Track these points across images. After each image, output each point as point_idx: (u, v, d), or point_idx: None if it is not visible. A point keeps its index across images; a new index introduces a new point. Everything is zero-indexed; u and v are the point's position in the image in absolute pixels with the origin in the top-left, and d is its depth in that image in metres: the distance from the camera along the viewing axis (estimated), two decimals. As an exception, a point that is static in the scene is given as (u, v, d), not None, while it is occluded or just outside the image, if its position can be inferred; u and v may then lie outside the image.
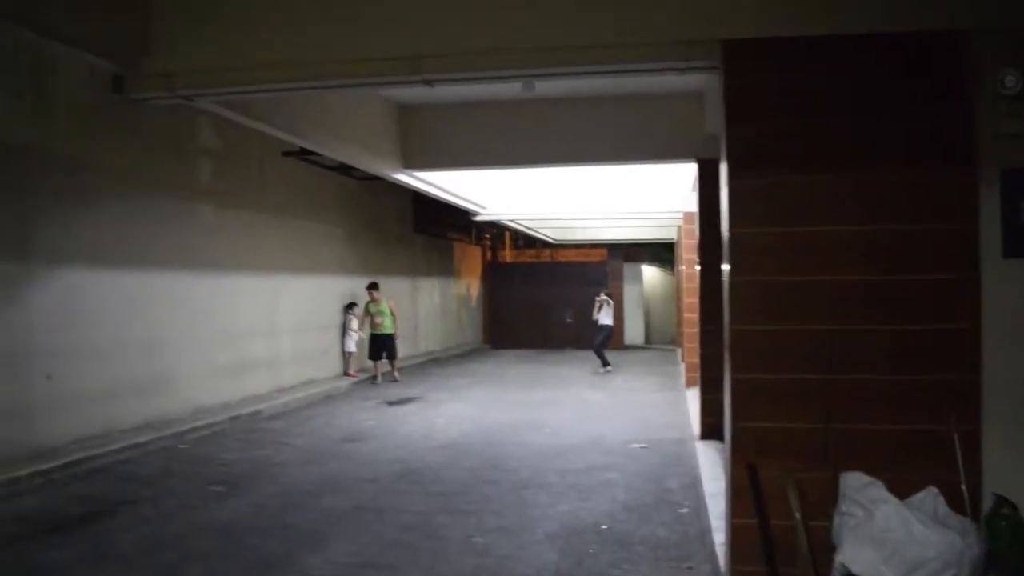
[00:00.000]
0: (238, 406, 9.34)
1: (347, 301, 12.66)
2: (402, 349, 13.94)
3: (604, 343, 14.26)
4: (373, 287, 12.46)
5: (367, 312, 12.33)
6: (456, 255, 19.26)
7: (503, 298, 20.75)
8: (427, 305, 17.14)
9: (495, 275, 21.23)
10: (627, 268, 20.79)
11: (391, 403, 10.44)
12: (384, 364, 12.38)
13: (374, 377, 12.31)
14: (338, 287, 12.60)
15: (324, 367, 12.02)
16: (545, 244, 21.18)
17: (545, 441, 7.88)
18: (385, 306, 12.38)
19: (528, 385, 12.45)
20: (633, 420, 9.07)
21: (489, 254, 21.65)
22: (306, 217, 11.62)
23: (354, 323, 12.24)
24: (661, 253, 20.95)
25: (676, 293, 17.59)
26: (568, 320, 20.33)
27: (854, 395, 3.77)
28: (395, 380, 12.32)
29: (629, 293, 20.77)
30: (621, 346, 19.38)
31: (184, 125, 8.84)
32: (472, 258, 20.58)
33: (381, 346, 12.25)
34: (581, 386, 12.20)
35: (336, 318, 12.41)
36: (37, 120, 6.98)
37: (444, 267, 18.38)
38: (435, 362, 15.96)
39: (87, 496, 5.96)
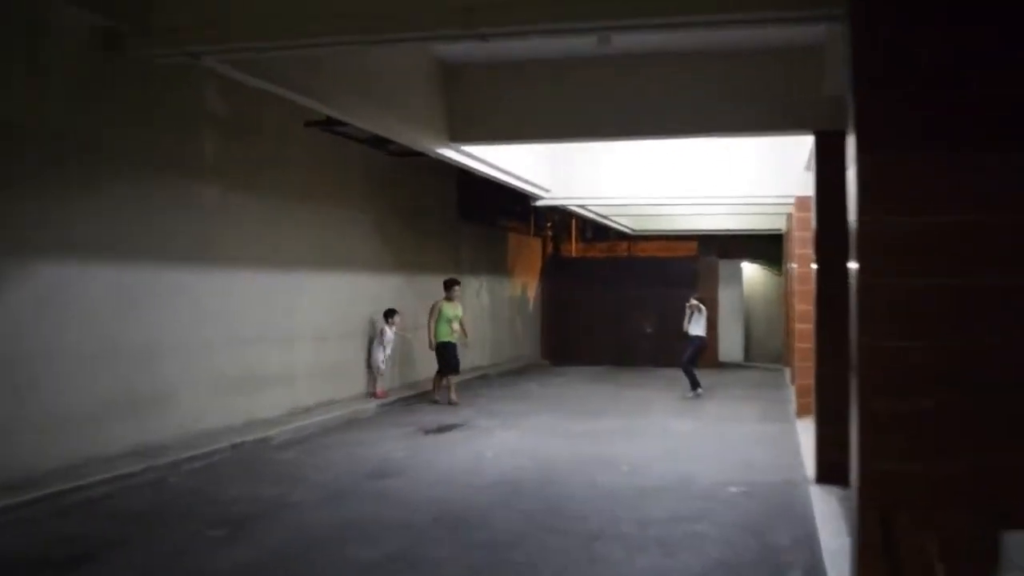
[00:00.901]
0: (245, 430, 9.53)
1: (378, 304, 12.87)
2: (421, 364, 14.05)
3: (694, 360, 14.17)
4: (454, 284, 12.83)
5: (440, 317, 12.60)
6: (510, 248, 19.36)
7: (567, 302, 20.80)
8: (473, 309, 17.23)
9: (557, 273, 21.26)
10: (723, 266, 20.61)
11: (428, 431, 10.51)
12: (446, 380, 12.72)
13: (436, 396, 12.74)
14: (366, 287, 12.77)
15: (347, 385, 12.20)
16: (620, 235, 21.12)
17: (619, 481, 7.86)
18: (460, 307, 12.88)
19: (598, 411, 12.40)
20: (729, 457, 8.98)
21: (550, 247, 21.73)
22: (331, 201, 11.80)
23: (388, 334, 12.45)
24: (766, 248, 20.69)
25: (785, 298, 17.32)
26: (648, 331, 20.22)
27: (1022, 429, 3.67)
28: (452, 402, 12.52)
29: (725, 298, 20.61)
30: (714, 364, 19.21)
31: (189, 91, 9.08)
32: (529, 252, 20.66)
33: (454, 356, 12.64)
34: (665, 413, 12.14)
35: (361, 325, 12.59)
36: (14, 90, 7.22)
37: (495, 263, 18.49)
38: (482, 380, 16.03)
39: (67, 536, 6.10)
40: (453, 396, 12.71)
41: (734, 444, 9.73)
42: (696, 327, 14.09)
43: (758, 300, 21.92)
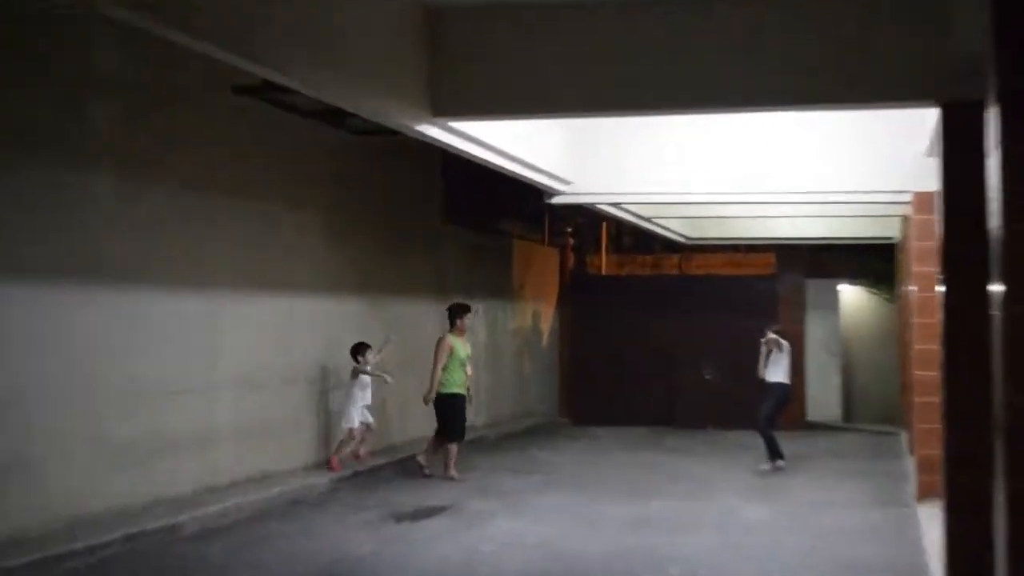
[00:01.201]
0: (145, 516, 9.52)
1: (332, 340, 12.94)
2: (422, 421, 14.05)
3: (774, 417, 14.13)
4: (463, 311, 13.22)
5: (451, 358, 12.84)
6: (516, 263, 19.45)
7: (595, 338, 20.83)
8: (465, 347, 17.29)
9: (582, 298, 21.30)
10: (812, 289, 20.68)
11: (401, 517, 10.52)
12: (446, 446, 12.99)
13: (425, 467, 12.97)
14: (316, 315, 12.83)
15: (289, 451, 12.24)
16: (670, 246, 21.18)
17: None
18: (470, 346, 13.30)
19: (638, 490, 12.38)
20: (822, 558, 8.95)
21: (572, 262, 21.83)
22: (269, 197, 11.87)
23: (363, 378, 12.58)
24: (872, 263, 20.71)
25: (900, 334, 17.27)
26: (708, 377, 20.21)
27: None
28: (451, 477, 12.76)
29: (816, 332, 20.67)
30: (800, 424, 19.19)
31: (77, 50, 9.12)
32: (543, 268, 20.75)
33: (463, 414, 12.95)
34: (731, 493, 12.13)
35: (308, 367, 12.64)
36: None
37: (494, 283, 18.58)
38: (478, 445, 16.03)
39: None
40: (452, 470, 12.79)
41: (829, 539, 9.69)
42: (776, 371, 14.08)
43: (862, 336, 21.89)
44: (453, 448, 12.86)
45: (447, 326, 13.16)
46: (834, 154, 12.46)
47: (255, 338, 11.59)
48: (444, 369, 12.78)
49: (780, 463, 13.94)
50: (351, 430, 12.48)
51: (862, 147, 12.26)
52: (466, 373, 12.98)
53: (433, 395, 12.77)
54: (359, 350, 12.62)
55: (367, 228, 14.08)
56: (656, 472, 13.94)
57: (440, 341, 13.00)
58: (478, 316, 17.72)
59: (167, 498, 10.10)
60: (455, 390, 12.83)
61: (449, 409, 12.79)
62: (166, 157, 10.19)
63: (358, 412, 12.53)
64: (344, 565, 8.47)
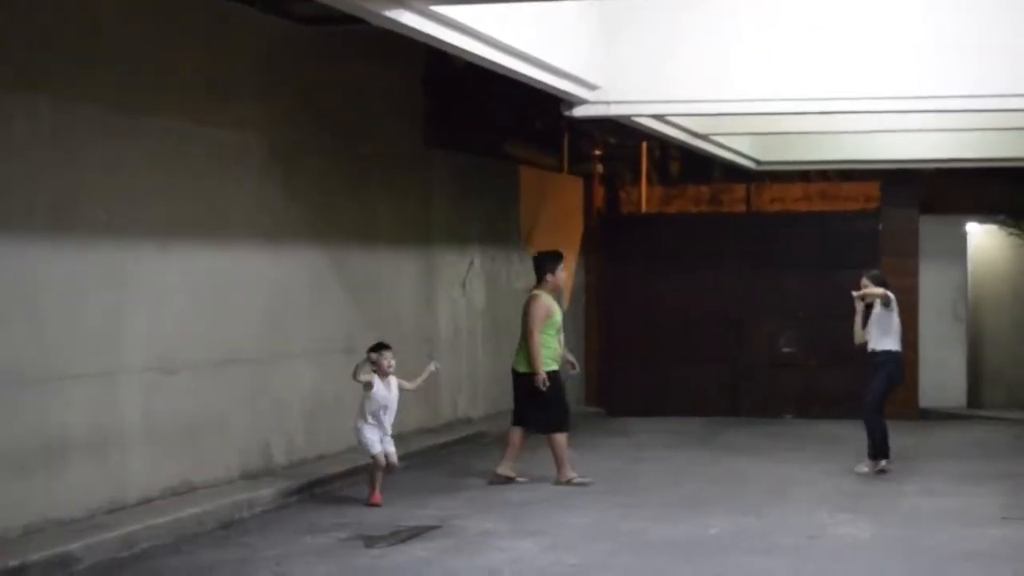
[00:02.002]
0: (25, 544, 9.49)
1: (280, 305, 12.94)
2: (406, 411, 14.05)
3: (882, 400, 14.08)
4: (557, 260, 13.57)
5: (549, 322, 13.22)
6: (525, 198, 19.39)
7: (633, 297, 20.86)
8: (456, 313, 17.27)
9: (616, 244, 21.28)
10: (928, 228, 20.61)
11: (374, 540, 10.50)
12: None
13: (510, 472, 13.34)
14: (256, 273, 12.80)
15: (220, 455, 12.22)
16: (734, 173, 21.04)
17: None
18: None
19: (693, 502, 12.41)
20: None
21: (602, 195, 21.74)
22: (192, 112, 11.78)
23: (380, 388, 12.21)
24: (1013, 192, 20.54)
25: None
26: (787, 350, 20.16)
27: None
28: (570, 481, 13.13)
29: (932, 287, 20.61)
30: (908, 412, 19.20)
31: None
32: (562, 204, 20.69)
33: (562, 393, 13.43)
34: (817, 505, 12.16)
35: (248, 344, 12.60)
36: None
37: (496, 225, 18.56)
38: (474, 443, 16.10)
39: None
40: (569, 472, 13.14)
41: (949, 566, 9.70)
42: (884, 335, 13.99)
43: (997, 293, 21.76)
44: (560, 441, 13.09)
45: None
46: (961, 41, 12.32)
47: (170, 306, 11.52)
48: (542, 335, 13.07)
49: (884, 464, 13.95)
50: (374, 457, 12.10)
51: (1001, 30, 12.11)
52: (559, 343, 13.26)
53: (543, 376, 12.95)
54: (377, 351, 12.24)
55: (323, 154, 13.99)
56: (716, 478, 13.93)
57: (534, 300, 13.22)
58: (474, 271, 17.67)
59: (56, 520, 10.05)
60: (549, 366, 13.09)
61: (546, 390, 12.99)
62: (42, 56, 10.04)
63: (373, 432, 12.14)
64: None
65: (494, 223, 18.43)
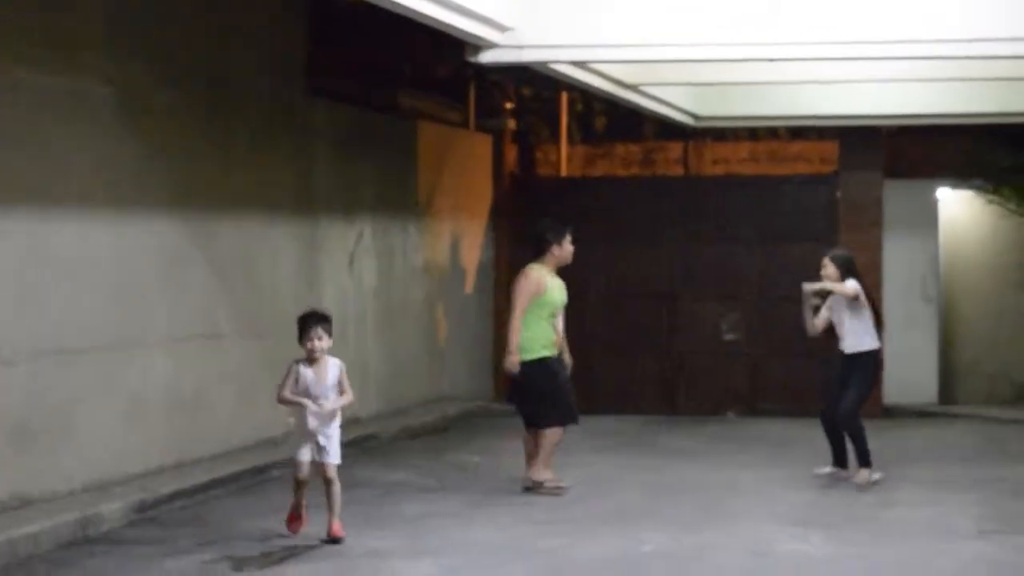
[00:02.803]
0: None
1: (131, 291, 12.81)
2: (279, 409, 14.04)
3: (859, 403, 14.23)
4: (561, 230, 13.71)
5: (540, 302, 13.33)
6: (424, 158, 19.42)
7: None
8: (343, 295, 17.31)
9: (530, 213, 21.15)
10: (893, 195, 20.79)
11: (244, 563, 10.49)
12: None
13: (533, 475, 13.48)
14: (97, 249, 12.72)
15: (60, 464, 12.14)
16: (667, 130, 21.13)
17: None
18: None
19: (623, 516, 12.47)
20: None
21: (514, 156, 21.83)
22: (16, 58, 11.67)
23: (310, 377, 11.35)
24: (993, 154, 20.73)
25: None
26: (729, 336, 20.26)
27: None
28: (544, 487, 13.34)
29: (899, 263, 20.81)
30: (872, 410, 19.28)
31: None
32: (467, 165, 20.77)
33: (559, 383, 13.57)
34: (766, 518, 12.25)
35: (86, 337, 12.51)
36: None
37: (391, 190, 18.60)
38: (362, 447, 16.16)
39: None
40: (542, 472, 13.28)
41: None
42: (863, 333, 14.08)
43: (973, 270, 21.96)
44: (550, 437, 13.20)
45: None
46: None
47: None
48: (530, 318, 13.13)
49: (876, 476, 13.99)
50: (298, 464, 11.32)
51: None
52: (555, 328, 13.32)
53: (517, 358, 13.08)
54: (311, 325, 11.33)
55: (184, 108, 13.92)
56: (651, 487, 13.99)
57: (522, 274, 13.35)
58: (363, 245, 17.63)
59: None
60: (541, 353, 13.18)
61: (540, 380, 13.17)
62: None
63: (303, 434, 11.35)
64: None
65: (388, 188, 18.43)
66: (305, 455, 11.20)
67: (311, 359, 11.23)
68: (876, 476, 13.95)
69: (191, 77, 14.06)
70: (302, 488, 11.27)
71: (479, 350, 20.85)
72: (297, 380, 11.16)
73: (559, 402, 13.28)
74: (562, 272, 13.57)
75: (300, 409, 11.16)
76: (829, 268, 14.12)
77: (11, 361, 11.49)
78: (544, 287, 13.22)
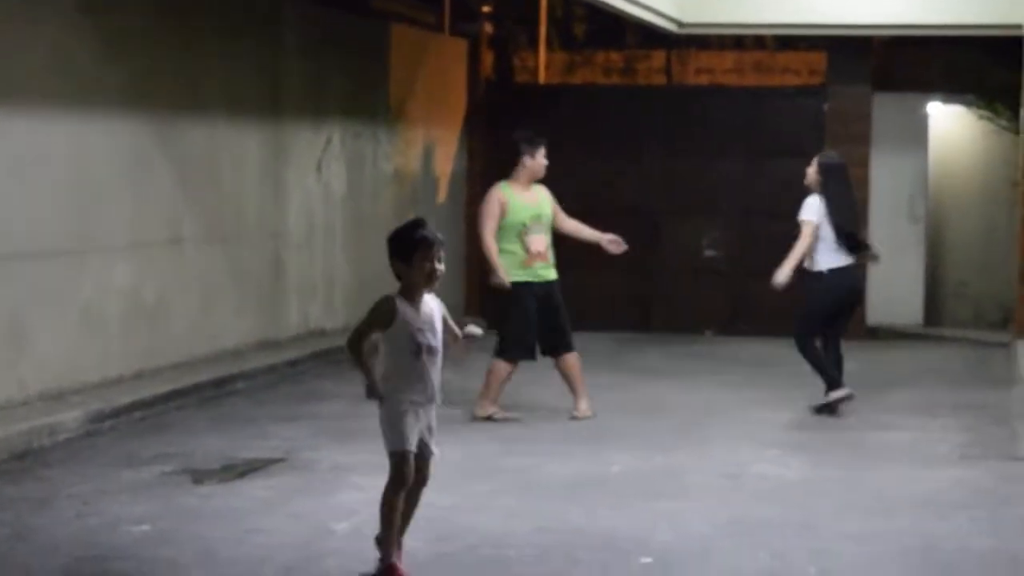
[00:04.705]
0: None
1: (91, 200, 12.76)
2: (242, 318, 14.09)
3: (812, 323, 14.20)
4: (533, 143, 13.52)
5: (507, 219, 13.22)
6: (396, 63, 19.40)
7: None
8: (310, 203, 17.34)
9: (507, 121, 21.05)
10: (882, 108, 20.81)
11: (204, 476, 10.58)
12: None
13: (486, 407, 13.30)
14: (62, 145, 12.72)
15: (15, 372, 12.20)
16: (649, 37, 21.10)
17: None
18: (545, 196, 13.70)
19: (593, 435, 12.55)
20: (880, 543, 9.12)
21: (490, 61, 21.80)
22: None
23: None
24: (981, 69, 20.72)
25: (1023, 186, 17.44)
26: (710, 253, 20.29)
27: None
28: (482, 415, 13.23)
29: (887, 180, 20.85)
30: (855, 331, 19.39)
31: None
32: (441, 71, 20.72)
33: (557, 314, 13.53)
34: (740, 441, 12.33)
35: (44, 240, 12.53)
36: None
37: (362, 95, 18.59)
38: (328, 359, 16.20)
39: None
40: (487, 406, 13.21)
41: (891, 514, 9.86)
42: (816, 248, 13.97)
43: (962, 189, 21.99)
44: (495, 370, 13.17)
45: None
46: None
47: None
48: (501, 238, 13.08)
49: (841, 395, 13.82)
50: (407, 460, 8.21)
51: None
52: (526, 247, 13.16)
53: (503, 272, 13.05)
54: (425, 243, 8.35)
55: (145, 4, 13.90)
56: (623, 407, 14.06)
57: (486, 196, 13.32)
58: (331, 150, 17.60)
59: None
60: (517, 278, 13.10)
61: (503, 307, 13.22)
62: None
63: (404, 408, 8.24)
64: (110, 554, 8.45)
65: (358, 93, 18.40)
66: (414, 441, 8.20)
67: (420, 292, 8.20)
68: (840, 396, 13.78)
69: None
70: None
71: (451, 263, 20.81)
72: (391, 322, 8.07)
73: (515, 334, 13.21)
74: (544, 179, 13.46)
75: (404, 367, 8.09)
76: (809, 170, 14.08)
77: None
78: (507, 207, 13.12)
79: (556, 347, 13.35)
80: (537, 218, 13.26)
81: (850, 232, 13.91)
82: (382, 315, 7.99)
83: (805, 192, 14.02)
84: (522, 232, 13.14)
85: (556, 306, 13.33)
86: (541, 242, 13.29)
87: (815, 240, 13.84)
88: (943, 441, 12.47)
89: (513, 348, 13.19)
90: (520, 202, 13.17)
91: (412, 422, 8.03)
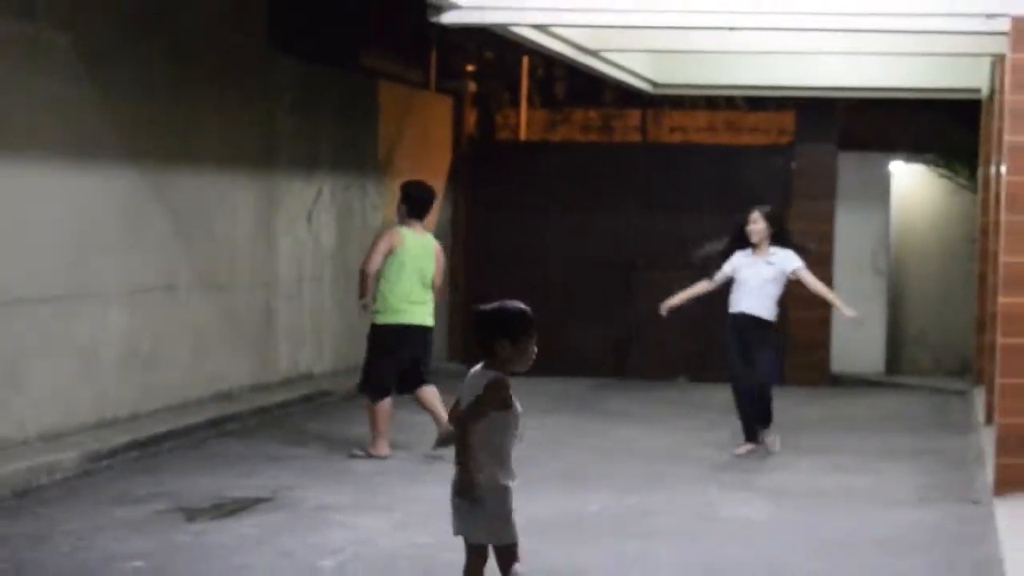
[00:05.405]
0: None
1: (90, 250, 12.76)
2: (236, 362, 14.04)
3: (773, 373, 14.15)
4: (415, 198, 13.39)
5: (394, 260, 13.08)
6: (385, 118, 19.40)
7: (507, 237, 20.98)
8: (301, 253, 17.29)
9: (489, 175, 21.34)
10: (847, 166, 20.86)
11: (196, 514, 10.54)
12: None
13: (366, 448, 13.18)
14: (60, 194, 12.70)
15: (13, 412, 12.13)
16: (627, 96, 21.16)
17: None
18: (431, 244, 13.44)
19: (571, 476, 12.53)
20: (847, 575, 9.14)
21: (474, 118, 21.79)
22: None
23: None
24: (942, 129, 20.79)
25: (982, 240, 17.47)
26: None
27: None
28: (371, 454, 13.12)
29: (851, 234, 20.87)
30: (819, 378, 19.66)
31: None
32: (427, 126, 20.71)
33: (412, 355, 13.24)
34: (709, 482, 12.35)
35: (35, 286, 12.46)
36: None
37: (351, 149, 18.59)
38: (315, 402, 16.22)
39: None
40: (379, 446, 13.10)
41: (855, 553, 9.88)
42: (761, 291, 14.02)
43: (923, 243, 22.03)
44: (371, 409, 13.07)
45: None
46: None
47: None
48: (386, 274, 12.96)
49: (770, 442, 13.96)
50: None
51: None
52: (410, 290, 13.04)
53: (368, 300, 13.07)
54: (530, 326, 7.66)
55: (143, 56, 13.84)
56: (598, 450, 14.04)
57: (384, 232, 13.35)
58: (322, 201, 17.60)
59: None
60: (390, 319, 13.04)
61: (381, 342, 13.09)
62: None
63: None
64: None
65: (348, 147, 18.39)
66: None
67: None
68: (769, 444, 13.90)
69: (151, 27, 13.98)
70: None
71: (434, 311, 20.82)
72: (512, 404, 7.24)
73: (368, 368, 13.23)
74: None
75: (510, 451, 7.21)
76: (759, 224, 14.05)
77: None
78: (395, 247, 13.01)
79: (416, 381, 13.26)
80: (420, 270, 13.15)
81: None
82: (507, 394, 7.10)
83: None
84: (398, 270, 13.02)
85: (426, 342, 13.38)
86: (418, 287, 13.19)
87: (762, 277, 14.00)
88: (903, 484, 12.47)
89: (367, 385, 13.20)
90: (413, 246, 13.10)
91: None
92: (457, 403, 7.13)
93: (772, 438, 13.96)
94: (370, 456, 12.94)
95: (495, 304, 7.42)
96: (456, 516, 7.19)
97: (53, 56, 12.53)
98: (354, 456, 13.04)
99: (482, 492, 7.00)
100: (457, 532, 7.24)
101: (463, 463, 6.95)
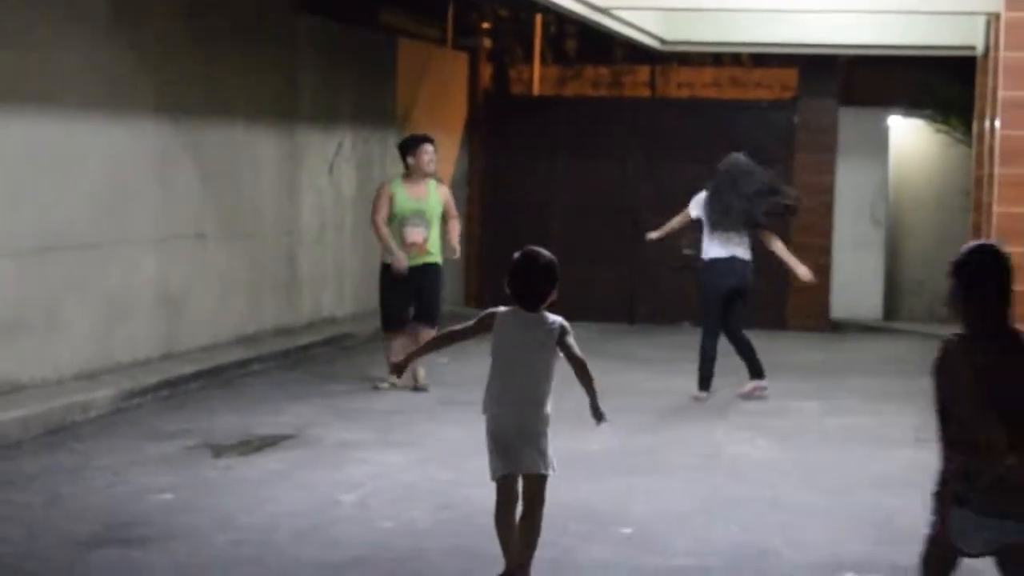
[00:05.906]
0: None
1: (117, 194, 12.77)
2: (261, 307, 14.08)
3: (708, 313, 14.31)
4: (415, 144, 13.73)
5: (393, 210, 13.47)
6: (403, 74, 19.36)
7: (519, 188, 20.98)
8: (322, 203, 17.31)
9: (503, 128, 21.32)
10: (848, 120, 20.82)
11: (223, 450, 10.61)
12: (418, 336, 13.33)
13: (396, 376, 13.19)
14: (95, 146, 12.70)
15: (48, 353, 12.19)
16: (636, 53, 21.11)
17: (616, 559, 8.06)
18: (435, 193, 13.84)
19: (579, 417, 12.29)
20: (843, 516, 9.18)
21: (489, 74, 21.76)
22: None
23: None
24: (938, 86, 20.73)
25: (976, 192, 17.49)
26: (687, 252, 20.27)
27: None
28: (419, 386, 13.53)
29: (851, 186, 20.85)
30: (819, 324, 19.63)
31: None
32: (444, 82, 20.68)
33: (421, 293, 13.69)
34: (715, 423, 12.38)
35: (71, 233, 12.49)
36: None
37: (371, 103, 18.55)
38: (338, 345, 16.24)
39: None
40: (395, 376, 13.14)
41: (853, 491, 9.92)
42: (729, 239, 14.17)
43: (920, 195, 21.96)
44: (392, 342, 13.37)
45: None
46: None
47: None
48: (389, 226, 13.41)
49: (762, 387, 13.99)
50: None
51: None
52: (403, 237, 13.36)
53: (397, 254, 13.32)
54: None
55: (175, 16, 13.86)
56: (605, 391, 13.79)
57: (379, 190, 13.77)
58: (342, 154, 17.60)
59: None
60: (384, 259, 13.51)
61: (400, 288, 13.45)
62: None
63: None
64: (134, 519, 8.50)
65: (368, 101, 18.37)
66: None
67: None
68: (761, 388, 13.90)
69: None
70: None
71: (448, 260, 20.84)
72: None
73: (383, 307, 13.69)
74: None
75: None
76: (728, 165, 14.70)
77: (2, 254, 11.53)
78: (390, 198, 13.45)
79: (418, 319, 13.58)
80: (418, 212, 13.46)
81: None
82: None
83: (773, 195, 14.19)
84: (402, 221, 13.39)
85: (425, 286, 13.59)
86: (419, 234, 13.46)
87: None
88: (899, 425, 12.43)
89: (385, 319, 13.67)
90: (404, 197, 13.43)
91: None
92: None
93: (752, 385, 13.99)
94: (393, 386, 13.12)
95: (545, 254, 7.85)
96: (507, 454, 7.87)
97: (89, 12, 12.55)
98: (378, 388, 13.24)
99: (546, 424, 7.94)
100: (509, 471, 7.85)
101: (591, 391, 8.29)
